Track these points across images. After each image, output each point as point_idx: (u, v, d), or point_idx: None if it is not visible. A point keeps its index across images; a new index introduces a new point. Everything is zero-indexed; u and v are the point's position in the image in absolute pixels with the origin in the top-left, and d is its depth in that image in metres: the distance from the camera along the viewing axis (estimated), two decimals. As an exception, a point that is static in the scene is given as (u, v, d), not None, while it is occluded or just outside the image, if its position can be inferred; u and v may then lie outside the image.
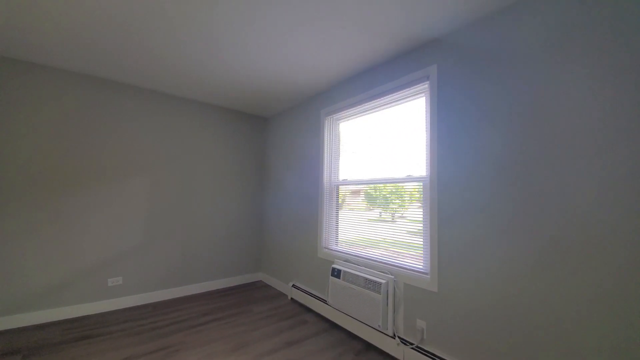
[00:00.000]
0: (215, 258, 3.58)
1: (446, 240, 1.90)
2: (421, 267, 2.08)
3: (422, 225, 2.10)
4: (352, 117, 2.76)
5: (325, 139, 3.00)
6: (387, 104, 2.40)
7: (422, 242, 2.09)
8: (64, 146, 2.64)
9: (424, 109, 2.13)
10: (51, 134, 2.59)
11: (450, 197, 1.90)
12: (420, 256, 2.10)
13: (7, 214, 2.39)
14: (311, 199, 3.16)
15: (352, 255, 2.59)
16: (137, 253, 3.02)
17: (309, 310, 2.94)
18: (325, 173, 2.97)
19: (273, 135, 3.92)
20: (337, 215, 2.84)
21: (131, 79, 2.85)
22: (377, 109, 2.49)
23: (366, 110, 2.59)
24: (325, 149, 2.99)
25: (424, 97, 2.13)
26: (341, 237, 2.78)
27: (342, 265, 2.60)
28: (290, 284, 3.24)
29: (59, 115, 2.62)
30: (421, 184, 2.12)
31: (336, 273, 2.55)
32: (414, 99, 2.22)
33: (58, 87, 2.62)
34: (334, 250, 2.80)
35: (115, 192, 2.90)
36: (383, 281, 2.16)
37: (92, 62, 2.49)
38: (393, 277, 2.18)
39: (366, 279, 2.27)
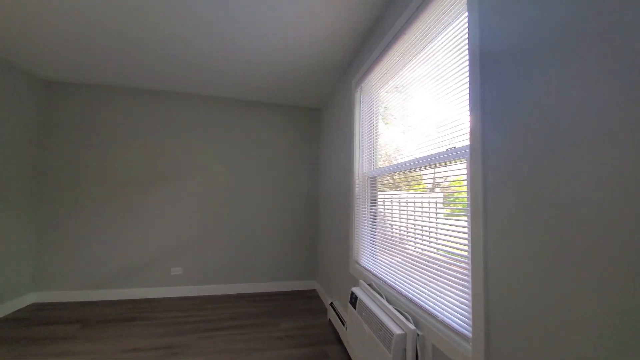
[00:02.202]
0: (267, 259, 3.43)
1: (503, 284, 0.88)
2: (462, 323, 1.09)
3: (467, 243, 1.10)
4: (383, 78, 1.91)
5: (356, 116, 2.26)
6: (422, 39, 1.46)
7: (467, 278, 1.10)
8: (136, 157, 3.14)
9: (467, 40, 1.12)
10: (126, 148, 3.12)
11: (513, 190, 0.87)
12: (463, 303, 1.10)
13: (95, 212, 3.03)
14: (343, 196, 2.48)
15: (379, 277, 1.76)
16: (194, 247, 3.24)
17: (338, 341, 2.26)
18: (356, 162, 2.23)
19: (325, 126, 3.43)
20: (372, 218, 2.04)
21: (178, 88, 3.09)
22: (411, 54, 1.58)
23: (396, 63, 1.71)
24: (356, 131, 2.25)
25: (466, 14, 1.13)
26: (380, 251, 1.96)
27: (364, 290, 1.81)
28: (330, 301, 2.64)
29: (117, 130, 3.14)
30: (464, 162, 1.13)
31: (353, 300, 1.80)
32: (453, 22, 1.23)
33: (118, 104, 3.15)
34: (364, 268, 2.02)
35: (176, 192, 3.22)
36: (398, 332, 1.28)
37: (144, 78, 2.83)
38: (416, 329, 1.26)
39: (380, 320, 1.43)
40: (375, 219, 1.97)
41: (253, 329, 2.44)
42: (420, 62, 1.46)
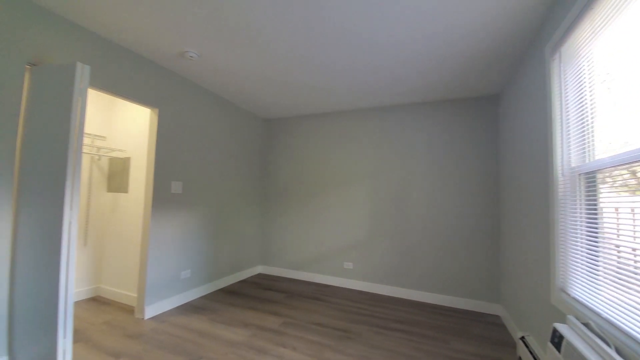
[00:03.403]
0: (437, 269, 3.18)
1: None
2: None
3: None
4: (600, 30, 1.32)
5: (555, 91, 1.69)
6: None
7: None
8: (322, 167, 3.85)
9: None
10: (303, 161, 3.89)
11: None
12: None
13: (297, 212, 3.94)
14: (538, 200, 1.90)
15: (603, 317, 1.21)
16: (363, 246, 3.54)
17: (535, 389, 1.72)
18: (558, 154, 1.66)
19: (506, 114, 2.79)
20: (591, 233, 1.44)
21: (348, 106, 3.50)
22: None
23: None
24: (556, 111, 1.68)
25: None
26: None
27: (575, 331, 1.29)
28: (520, 334, 2.07)
29: (305, 149, 3.89)
30: None
31: (557, 340, 1.32)
32: None
33: (304, 129, 3.90)
34: (576, 300, 1.44)
35: (346, 195, 3.66)
36: (646, 407, 0.82)
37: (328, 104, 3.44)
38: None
39: (607, 379, 0.97)
40: (597, 235, 1.37)
41: (420, 339, 2.32)
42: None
